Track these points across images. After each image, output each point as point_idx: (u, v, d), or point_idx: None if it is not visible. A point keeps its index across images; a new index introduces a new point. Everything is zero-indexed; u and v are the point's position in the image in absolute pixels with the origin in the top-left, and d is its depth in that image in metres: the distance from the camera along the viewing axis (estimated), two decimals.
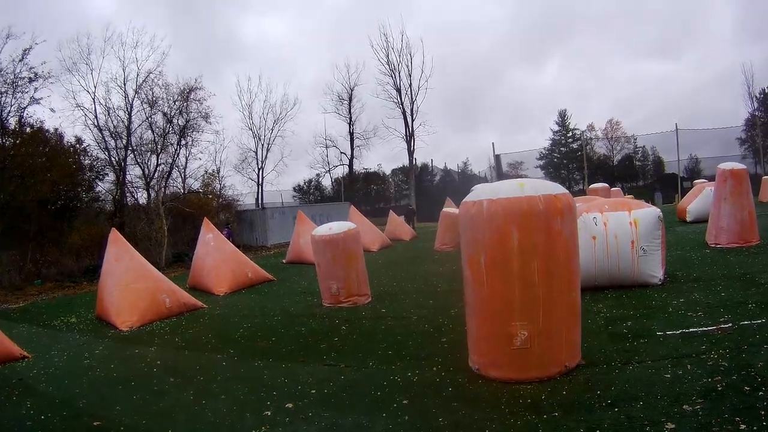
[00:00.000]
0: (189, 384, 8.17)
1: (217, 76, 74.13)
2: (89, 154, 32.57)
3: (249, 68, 76.26)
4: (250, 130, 48.00)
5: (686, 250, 14.86)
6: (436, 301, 12.46)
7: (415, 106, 50.75)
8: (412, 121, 50.86)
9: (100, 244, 19.63)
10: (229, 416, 6.68)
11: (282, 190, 55.00)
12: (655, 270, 11.04)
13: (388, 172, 69.40)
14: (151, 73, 34.59)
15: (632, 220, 11.05)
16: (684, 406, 5.33)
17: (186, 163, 38.02)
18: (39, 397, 8.10)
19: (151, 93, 34.80)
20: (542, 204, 6.53)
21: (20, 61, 27.26)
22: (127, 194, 34.76)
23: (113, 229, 15.39)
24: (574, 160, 60.87)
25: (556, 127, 64.85)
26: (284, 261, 24.83)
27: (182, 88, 36.21)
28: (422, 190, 57.86)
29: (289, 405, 6.80)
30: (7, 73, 27.16)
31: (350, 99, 53.50)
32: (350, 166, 56.03)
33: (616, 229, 11.00)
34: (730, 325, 7.81)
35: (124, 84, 34.12)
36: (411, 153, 52.09)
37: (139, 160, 34.64)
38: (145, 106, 34.70)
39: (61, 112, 33.13)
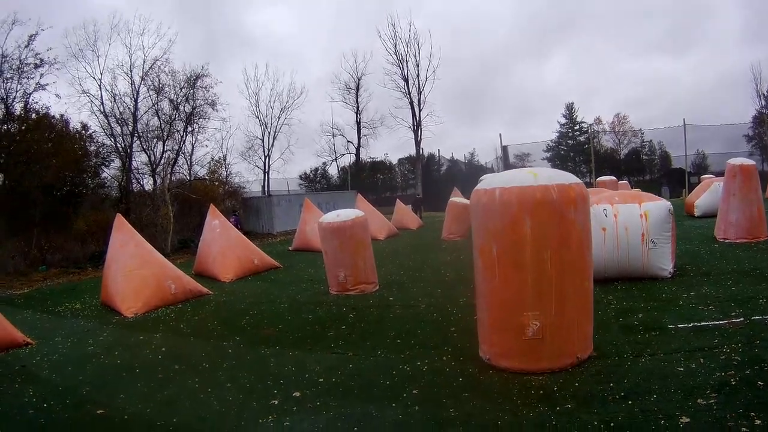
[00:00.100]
0: (194, 371, 8.09)
1: (224, 64, 74.55)
2: (95, 140, 32.70)
3: (256, 57, 76.55)
4: (256, 117, 48.25)
5: (695, 245, 14.78)
6: (445, 290, 12.36)
7: (422, 96, 50.87)
8: (420, 111, 50.94)
9: (105, 230, 19.58)
10: (235, 405, 6.60)
11: (288, 178, 55.17)
12: (664, 263, 10.96)
13: (394, 161, 69.29)
14: (157, 60, 34.50)
15: (642, 212, 10.96)
16: (698, 400, 5.26)
17: (192, 150, 37.93)
18: (42, 385, 8.04)
19: (157, 80, 34.70)
20: (556, 193, 6.41)
21: (26, 47, 27.28)
22: (133, 181, 34.78)
23: (118, 214, 15.28)
24: (580, 153, 60.75)
25: (563, 120, 64.82)
26: (290, 248, 24.75)
27: (189, 75, 36.12)
28: (429, 179, 57.78)
29: (297, 394, 6.72)
30: (12, 59, 27.17)
31: (357, 88, 53.89)
32: (357, 154, 56.32)
33: (626, 221, 10.93)
34: (741, 319, 7.75)
35: (131, 71, 33.95)
36: (418, 143, 52.31)
37: (145, 146, 34.56)
38: (151, 92, 34.61)
39: (67, 99, 32.96)
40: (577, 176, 7.13)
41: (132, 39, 34.12)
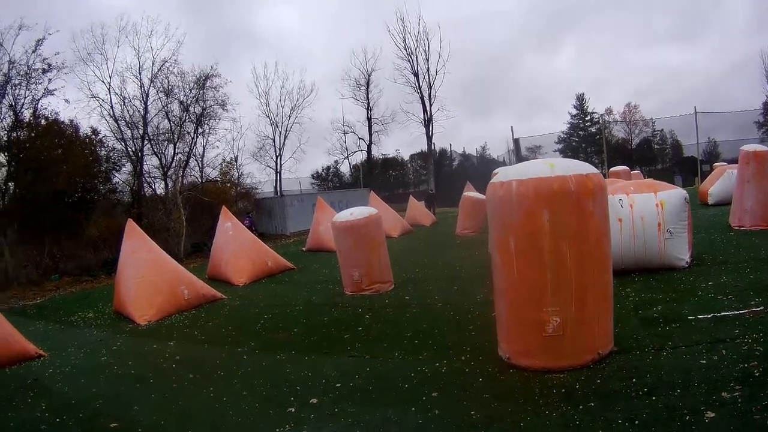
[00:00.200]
0: (209, 380, 8.01)
1: (233, 63, 74.83)
2: (105, 145, 32.71)
3: (265, 55, 76.52)
4: (267, 117, 48.38)
5: (710, 233, 14.61)
6: (461, 287, 12.25)
7: (432, 90, 50.81)
8: (430, 105, 50.91)
9: (117, 236, 19.56)
10: (252, 414, 6.52)
11: (300, 178, 55.27)
12: (682, 253, 10.82)
13: (406, 157, 69.38)
14: (166, 61, 34.60)
15: (658, 201, 10.82)
16: (722, 394, 5.13)
17: (203, 151, 38.19)
18: (55, 398, 8.00)
19: (166, 82, 34.84)
20: (573, 184, 6.27)
21: (33, 52, 27.35)
22: (145, 185, 34.94)
23: (129, 220, 15.24)
24: (592, 144, 60.76)
25: (574, 111, 64.87)
26: (304, 249, 24.66)
27: (198, 76, 36.21)
28: (441, 175, 57.74)
29: (314, 400, 6.62)
30: (20, 64, 27.24)
31: (368, 84, 53.84)
32: (368, 151, 56.35)
33: (642, 211, 10.79)
34: (761, 308, 7.59)
35: (140, 73, 34.13)
36: (429, 138, 52.25)
37: (155, 149, 34.68)
38: (161, 95, 34.74)
39: (76, 104, 33.35)
40: None
41: (140, 41, 34.36)
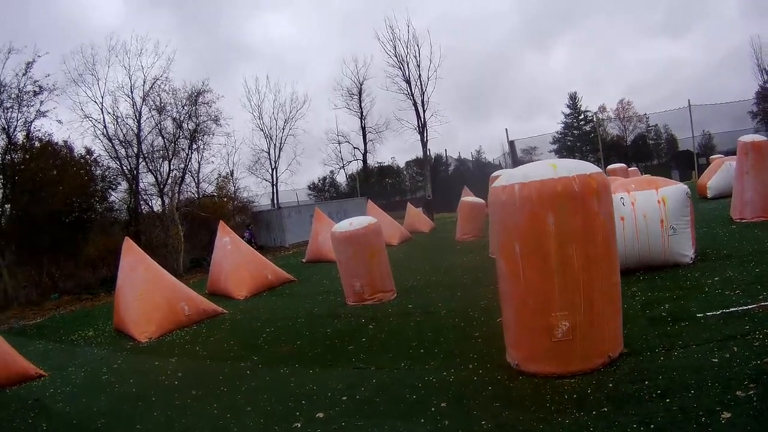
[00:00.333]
0: (212, 396, 7.92)
1: (225, 78, 74.72)
2: (100, 164, 32.92)
3: (256, 68, 76.06)
4: (261, 130, 48.08)
5: (712, 227, 14.52)
6: (464, 293, 12.16)
7: (425, 96, 50.70)
8: (424, 111, 50.80)
9: (116, 254, 19.50)
10: (256, 430, 6.44)
11: (297, 189, 55.07)
12: (685, 249, 10.74)
13: (402, 164, 69.23)
14: (157, 79, 34.67)
15: (660, 198, 10.75)
16: (737, 393, 5.03)
17: (199, 167, 38.12)
18: (56, 418, 7.96)
19: (158, 99, 34.92)
20: (577, 185, 6.16)
21: (24, 74, 27.43)
22: (141, 202, 35.01)
23: (126, 238, 15.26)
24: (587, 143, 60.72)
25: (567, 111, 64.86)
26: (304, 260, 24.54)
27: (190, 92, 36.28)
28: (437, 180, 57.71)
29: (320, 414, 6.52)
30: (11, 87, 27.32)
31: (360, 93, 53.57)
32: (364, 160, 56.13)
33: (644, 208, 10.72)
34: None
35: (131, 92, 34.20)
36: (424, 144, 52.04)
37: (151, 167, 34.79)
38: (153, 112, 34.83)
39: (69, 124, 33.66)
40: None
41: (131, 60, 34.37)
